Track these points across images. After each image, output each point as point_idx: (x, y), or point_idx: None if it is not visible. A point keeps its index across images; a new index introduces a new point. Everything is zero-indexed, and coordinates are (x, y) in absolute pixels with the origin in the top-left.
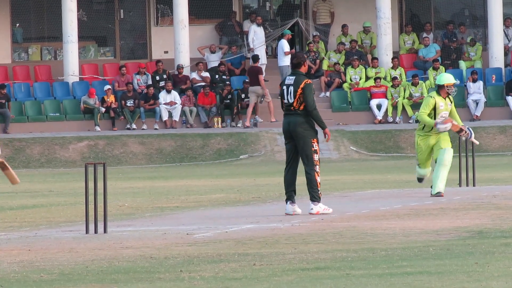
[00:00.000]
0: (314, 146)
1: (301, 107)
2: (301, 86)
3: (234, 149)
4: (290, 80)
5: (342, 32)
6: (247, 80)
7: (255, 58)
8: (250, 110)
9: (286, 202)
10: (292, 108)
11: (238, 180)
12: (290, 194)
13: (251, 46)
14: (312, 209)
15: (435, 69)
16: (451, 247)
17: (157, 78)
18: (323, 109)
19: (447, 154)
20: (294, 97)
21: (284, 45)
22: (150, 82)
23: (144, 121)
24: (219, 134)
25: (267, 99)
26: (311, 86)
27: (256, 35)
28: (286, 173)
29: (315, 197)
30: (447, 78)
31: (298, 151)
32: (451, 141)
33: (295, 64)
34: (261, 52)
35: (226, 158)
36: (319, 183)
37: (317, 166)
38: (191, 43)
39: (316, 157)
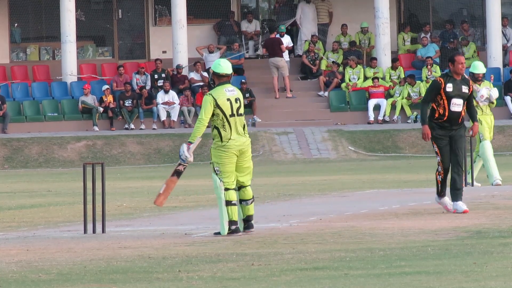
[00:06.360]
0: (434, 148)
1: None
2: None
3: None
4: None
5: (341, 31)
6: (244, 81)
7: (272, 29)
8: (276, 83)
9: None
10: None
11: None
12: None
13: (298, 22)
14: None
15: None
16: (449, 247)
17: (156, 76)
18: (321, 109)
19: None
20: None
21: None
22: (149, 82)
23: (142, 121)
24: None
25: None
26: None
27: (304, 13)
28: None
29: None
30: None
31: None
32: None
33: (449, 59)
34: (309, 29)
35: None
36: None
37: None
38: (189, 43)
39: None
